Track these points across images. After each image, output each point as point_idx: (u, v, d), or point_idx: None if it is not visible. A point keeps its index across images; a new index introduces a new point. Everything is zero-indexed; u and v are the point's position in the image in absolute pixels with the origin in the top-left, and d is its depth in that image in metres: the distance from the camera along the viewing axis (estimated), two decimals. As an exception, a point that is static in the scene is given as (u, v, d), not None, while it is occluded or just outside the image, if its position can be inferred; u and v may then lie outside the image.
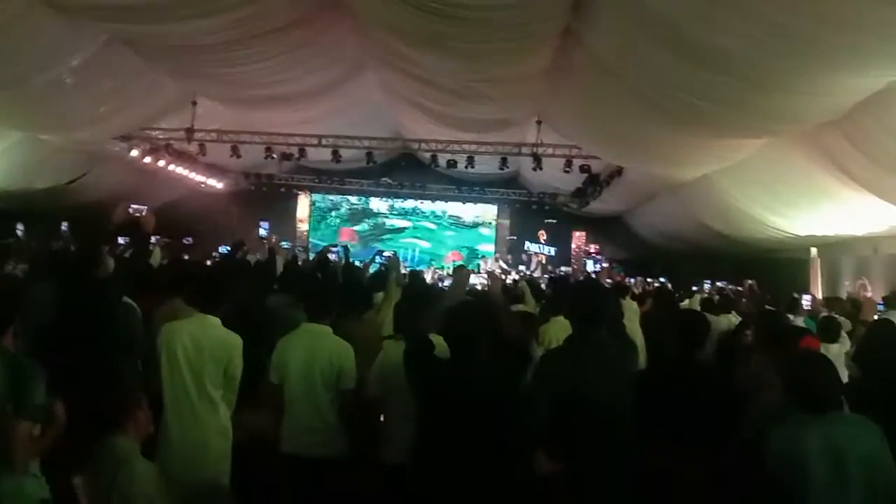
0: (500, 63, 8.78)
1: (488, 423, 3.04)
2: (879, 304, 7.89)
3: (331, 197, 21.36)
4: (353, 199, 21.33)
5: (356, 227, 21.46)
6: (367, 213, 21.54)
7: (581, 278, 13.73)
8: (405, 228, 21.41)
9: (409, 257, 19.72)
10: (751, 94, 6.81)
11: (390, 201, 21.21)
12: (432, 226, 21.42)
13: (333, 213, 21.62)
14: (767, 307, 8.21)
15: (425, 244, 21.25)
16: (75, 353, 3.91)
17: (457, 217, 21.42)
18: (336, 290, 5.27)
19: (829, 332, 6.03)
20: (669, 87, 7.42)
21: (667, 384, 3.36)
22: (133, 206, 12.88)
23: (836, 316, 6.91)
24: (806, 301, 8.64)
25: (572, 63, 8.32)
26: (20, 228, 13.13)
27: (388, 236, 21.28)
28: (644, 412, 3.21)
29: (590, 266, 19.00)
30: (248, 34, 8.57)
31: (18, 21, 7.68)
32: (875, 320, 6.18)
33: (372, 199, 21.25)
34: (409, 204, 21.24)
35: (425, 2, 6.76)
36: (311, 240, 20.82)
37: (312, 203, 21.74)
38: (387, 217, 21.52)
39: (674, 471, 3.14)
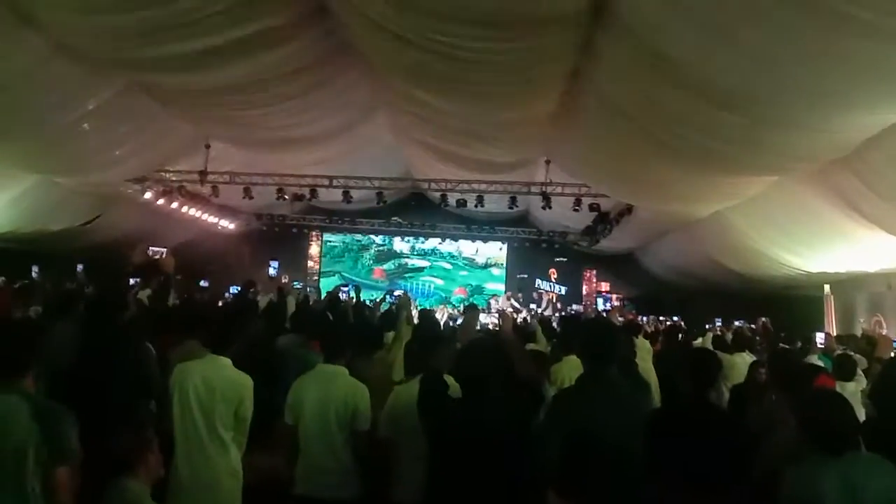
0: (510, 106, 8.87)
1: (499, 463, 3.02)
2: (895, 342, 7.77)
3: (357, 237, 22.52)
4: (378, 239, 22.56)
5: (384, 266, 22.61)
6: (392, 254, 22.77)
7: (592, 317, 13.67)
8: (424, 268, 22.56)
9: (425, 293, 21.51)
10: (758, 131, 6.82)
11: (411, 242, 22.43)
12: (448, 265, 22.48)
13: (366, 255, 22.79)
14: (782, 345, 8.14)
15: (440, 282, 22.34)
16: (95, 396, 3.89)
17: (470, 258, 22.40)
18: (348, 329, 5.27)
19: (845, 369, 5.93)
20: (677, 126, 7.46)
21: (679, 424, 3.33)
22: (152, 247, 12.99)
23: (852, 353, 6.80)
24: (820, 338, 8.55)
25: (580, 104, 8.39)
26: (35, 270, 13.27)
27: (409, 275, 22.51)
28: (656, 452, 3.18)
29: (601, 304, 18.95)
30: (264, 79, 8.73)
31: (39, 68, 7.86)
32: (891, 358, 6.08)
33: (395, 240, 22.49)
34: (428, 245, 22.39)
35: (433, 45, 6.87)
36: (350, 276, 22.00)
37: (323, 243, 22.59)
38: (408, 257, 22.72)
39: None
